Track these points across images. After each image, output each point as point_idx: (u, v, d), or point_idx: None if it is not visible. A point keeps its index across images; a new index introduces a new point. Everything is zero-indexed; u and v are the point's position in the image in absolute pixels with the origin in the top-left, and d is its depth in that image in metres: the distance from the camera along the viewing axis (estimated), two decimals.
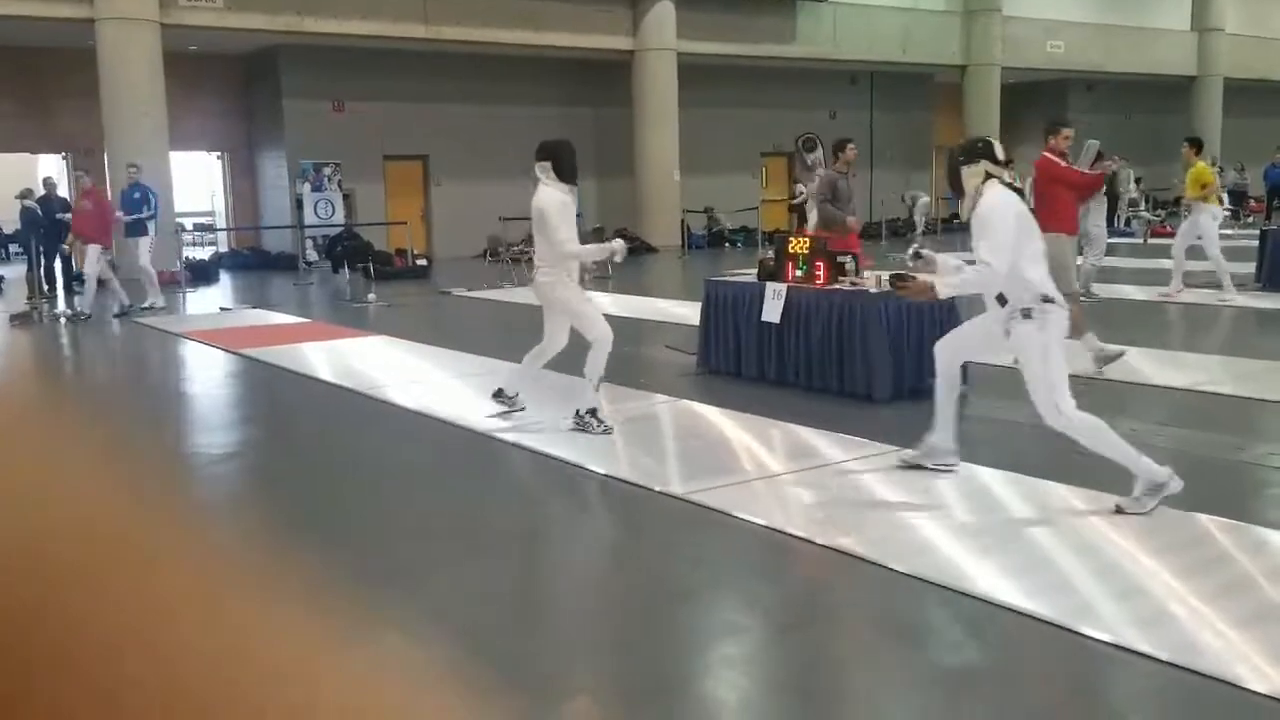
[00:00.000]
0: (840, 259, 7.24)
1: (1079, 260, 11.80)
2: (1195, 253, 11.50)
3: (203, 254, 20.63)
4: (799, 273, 7.28)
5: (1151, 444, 5.36)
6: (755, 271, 7.88)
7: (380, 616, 3.51)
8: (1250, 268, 12.55)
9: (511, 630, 3.58)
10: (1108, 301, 11.31)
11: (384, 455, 6.16)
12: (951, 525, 4.45)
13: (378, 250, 17.66)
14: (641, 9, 20.69)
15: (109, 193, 15.22)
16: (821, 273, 7.15)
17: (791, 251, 7.40)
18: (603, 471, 5.36)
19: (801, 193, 17.77)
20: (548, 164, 5.94)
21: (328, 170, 20.02)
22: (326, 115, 19.88)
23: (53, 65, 18.49)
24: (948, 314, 7.06)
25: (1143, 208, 22.66)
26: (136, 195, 13.20)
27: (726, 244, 22.38)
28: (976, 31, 25.20)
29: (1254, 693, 2.93)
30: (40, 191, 15.08)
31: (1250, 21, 30.15)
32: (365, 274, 15.60)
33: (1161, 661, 3.12)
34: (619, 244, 6.23)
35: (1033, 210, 5.25)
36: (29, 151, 20.41)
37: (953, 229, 25.23)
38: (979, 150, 4.71)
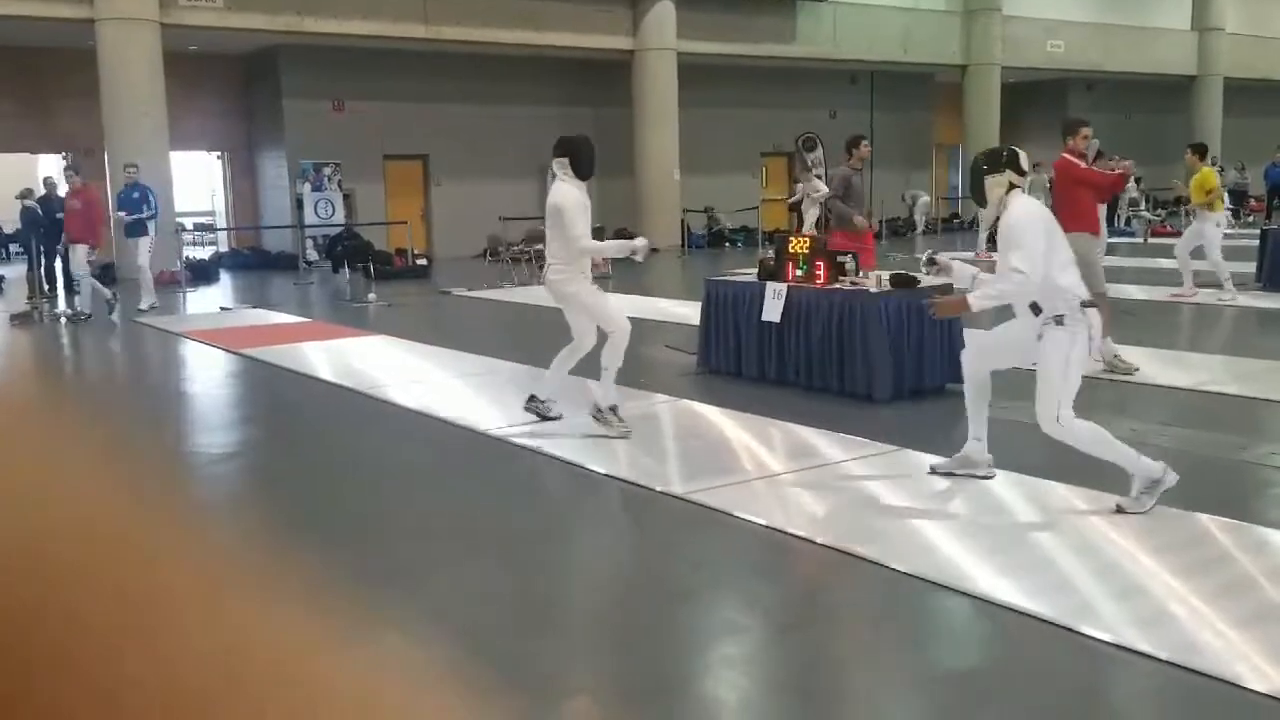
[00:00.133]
0: (840, 259, 7.25)
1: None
2: (1196, 252, 11.49)
3: (203, 254, 20.63)
4: (799, 272, 7.28)
5: (1153, 444, 5.36)
6: (755, 271, 7.88)
7: (380, 616, 3.51)
8: (1251, 267, 12.55)
9: (512, 630, 3.58)
10: (1108, 301, 11.30)
11: (384, 455, 6.16)
12: (952, 525, 4.45)
13: (378, 250, 17.66)
14: (641, 9, 20.68)
15: (108, 193, 15.24)
16: (822, 272, 7.15)
17: (791, 251, 7.40)
18: (603, 471, 5.36)
19: (798, 192, 17.78)
20: (565, 160, 5.87)
21: (328, 170, 20.02)
22: (326, 115, 19.88)
23: (53, 65, 18.49)
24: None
25: (1143, 207, 22.66)
26: (135, 195, 13.17)
27: (726, 244, 22.38)
28: (976, 31, 25.19)
29: (1254, 692, 2.93)
30: (40, 191, 15.07)
31: (1250, 21, 30.14)
32: (365, 274, 15.60)
33: (1161, 661, 3.12)
34: (642, 242, 6.08)
35: (1053, 210, 5.25)
36: (29, 151, 20.41)
37: (952, 228, 25.26)
38: (1004, 160, 4.68)
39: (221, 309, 13.59)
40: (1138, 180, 22.97)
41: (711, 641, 3.56)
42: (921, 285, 7.13)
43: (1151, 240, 19.34)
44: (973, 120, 25.35)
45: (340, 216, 19.79)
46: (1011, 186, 4.63)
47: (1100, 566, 3.90)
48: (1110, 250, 13.08)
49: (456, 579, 4.09)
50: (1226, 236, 11.72)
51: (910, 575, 3.85)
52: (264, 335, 10.83)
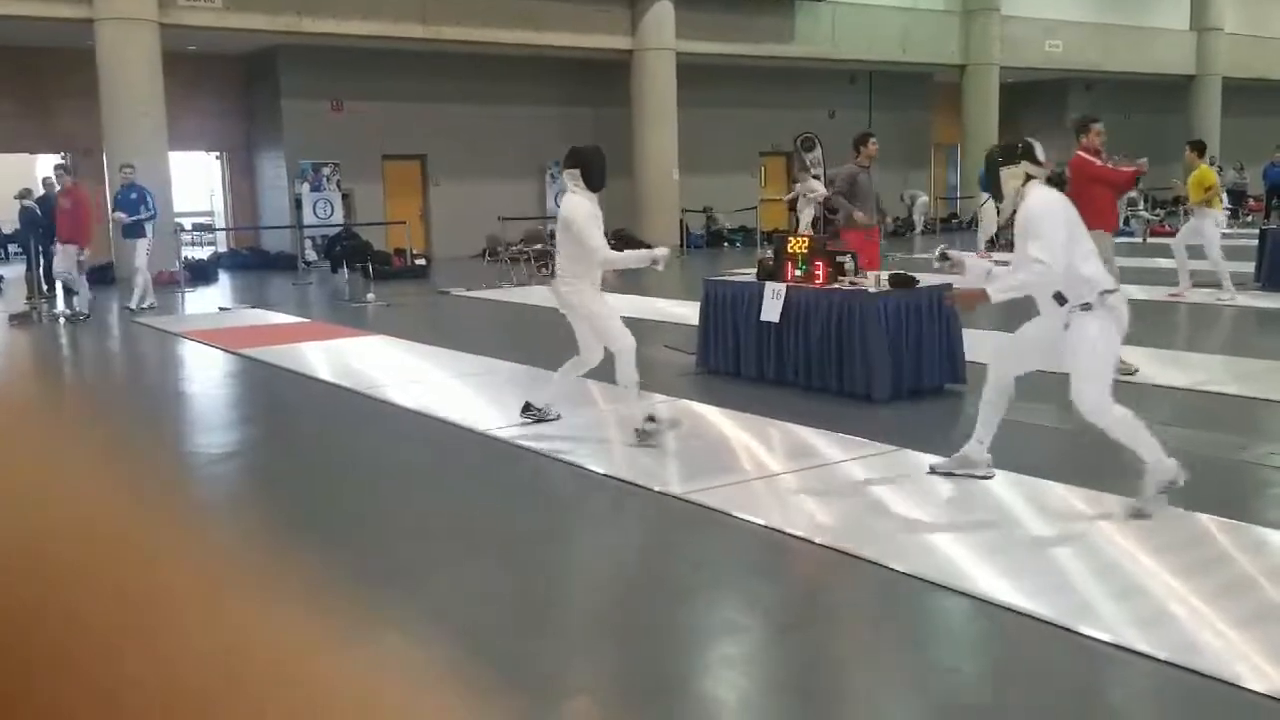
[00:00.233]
0: (839, 259, 7.25)
1: None
2: (1195, 252, 11.50)
3: (202, 254, 20.63)
4: (798, 272, 7.28)
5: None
6: (754, 271, 7.88)
7: (380, 616, 3.51)
8: (1250, 267, 12.55)
9: (511, 630, 3.58)
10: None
11: (383, 455, 6.16)
12: (951, 525, 4.45)
13: (376, 250, 17.65)
14: (640, 9, 20.68)
15: (106, 193, 15.23)
16: (821, 272, 7.15)
17: (790, 251, 7.40)
18: (602, 471, 5.36)
19: (795, 191, 17.81)
20: (577, 171, 5.79)
21: (326, 170, 20.02)
22: (325, 115, 19.88)
23: (52, 65, 18.48)
24: (947, 313, 7.07)
25: (1141, 207, 22.67)
26: (133, 196, 13.16)
27: (725, 243, 22.39)
28: (975, 31, 25.20)
29: (1253, 692, 2.93)
30: (39, 191, 15.06)
31: (1249, 21, 30.16)
32: (364, 274, 15.59)
33: (1161, 661, 3.12)
34: (663, 251, 5.91)
35: None
36: (28, 151, 20.40)
37: (951, 228, 25.27)
38: (1019, 151, 4.62)
39: (220, 309, 13.58)
40: (1136, 180, 22.98)
41: (710, 641, 3.56)
42: (920, 285, 7.14)
43: (1150, 240, 19.34)
44: (971, 120, 25.35)
45: (339, 216, 19.79)
46: (1028, 178, 4.56)
47: (1099, 566, 3.90)
48: None
49: (456, 579, 4.09)
50: (1225, 236, 11.72)
51: (909, 575, 3.85)
52: (263, 335, 10.83)
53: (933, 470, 5.04)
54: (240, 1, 17.11)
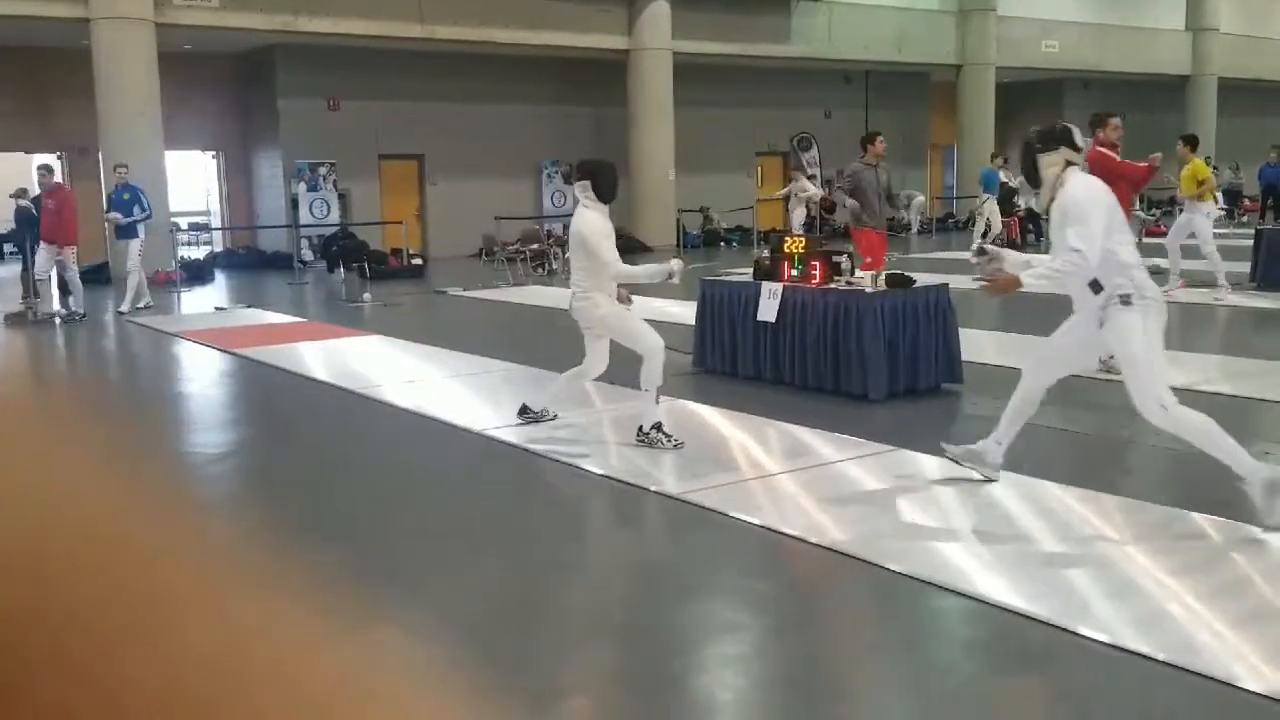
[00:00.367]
0: (835, 259, 7.25)
1: None
2: (1189, 251, 11.51)
3: (198, 253, 20.60)
4: (794, 272, 7.29)
5: (1149, 443, 5.38)
6: (751, 271, 7.88)
7: (380, 615, 3.50)
8: (1245, 267, 12.57)
9: (511, 630, 3.58)
10: None
11: (380, 455, 6.16)
12: (948, 525, 4.45)
13: (373, 249, 17.64)
14: (637, 8, 20.68)
15: (101, 193, 15.20)
16: (817, 272, 7.15)
17: (787, 251, 7.40)
18: (598, 471, 5.36)
19: (789, 190, 17.85)
20: (587, 183, 5.72)
21: (323, 169, 19.99)
22: (322, 114, 19.86)
23: (48, 64, 18.45)
24: (943, 313, 7.08)
25: (1137, 207, 22.69)
26: (126, 196, 13.12)
27: (722, 243, 22.39)
28: (972, 31, 25.22)
29: (1251, 692, 2.94)
30: (35, 191, 15.02)
31: (1244, 21, 30.22)
32: (360, 273, 15.57)
33: (1158, 661, 3.13)
34: (677, 264, 5.77)
35: None
36: (24, 151, 20.36)
37: (947, 228, 25.29)
38: (1057, 136, 4.45)
39: (216, 309, 13.56)
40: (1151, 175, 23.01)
41: (707, 641, 3.56)
42: (917, 285, 7.15)
43: (1146, 240, 19.36)
44: (968, 120, 25.38)
45: (335, 216, 19.77)
46: (1067, 164, 4.40)
47: (1097, 567, 3.90)
48: None
49: (455, 578, 4.09)
50: (1222, 237, 11.74)
51: (906, 575, 3.85)
52: (259, 335, 10.81)
53: (943, 450, 4.95)
54: (236, 1, 17.09)
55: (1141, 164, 8.00)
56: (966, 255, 17.90)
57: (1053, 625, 3.39)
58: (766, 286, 7.36)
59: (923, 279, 7.41)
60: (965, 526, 4.42)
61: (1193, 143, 11.72)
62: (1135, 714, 3.05)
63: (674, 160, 21.15)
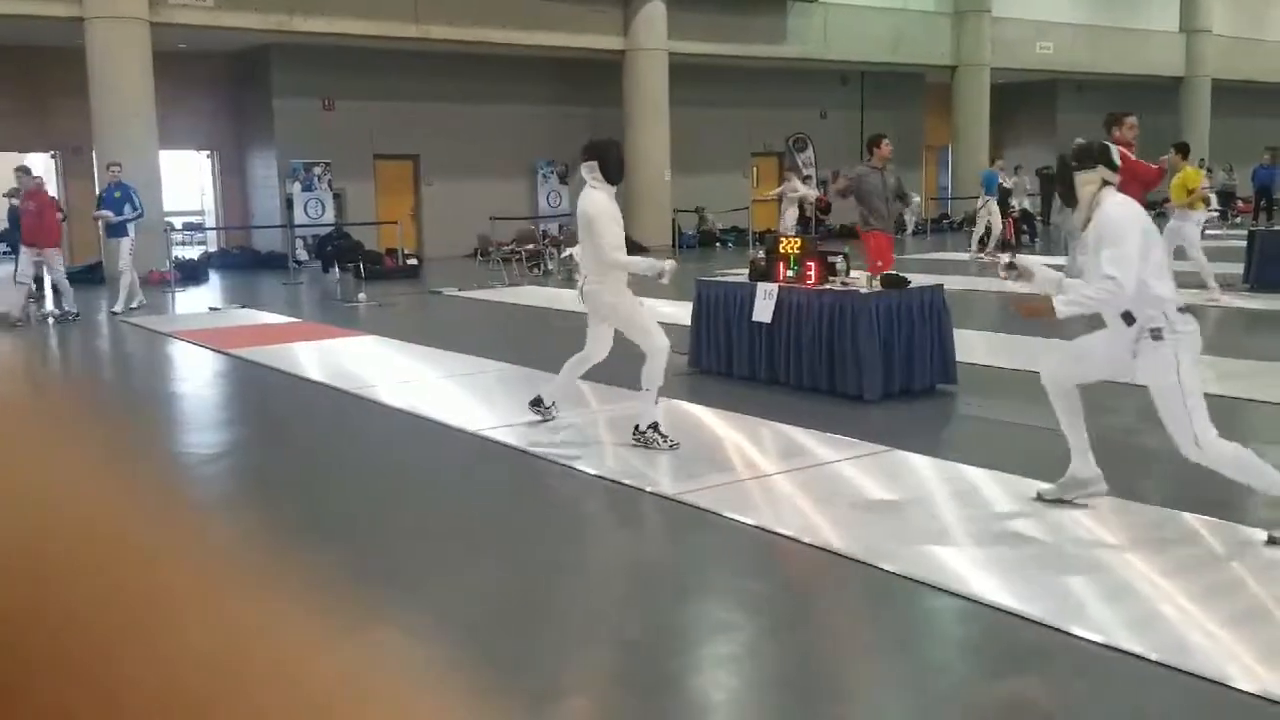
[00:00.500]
0: (831, 259, 7.26)
1: (1064, 260, 11.85)
2: (1178, 253, 11.53)
3: (192, 253, 20.56)
4: (790, 273, 7.29)
5: (1140, 444, 5.39)
6: (746, 271, 7.89)
7: (379, 615, 3.50)
8: (1238, 268, 12.61)
9: (509, 630, 3.58)
10: None
11: (376, 455, 6.15)
12: (942, 526, 4.46)
13: (368, 250, 17.62)
14: (633, 9, 20.68)
15: (95, 192, 15.16)
16: (813, 273, 7.16)
17: (782, 251, 7.41)
18: (593, 472, 5.36)
19: (780, 189, 17.89)
20: (594, 164, 5.61)
21: (318, 169, 19.97)
22: (317, 114, 19.83)
23: (43, 63, 18.41)
24: (938, 313, 7.09)
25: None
26: (118, 195, 13.08)
27: (717, 244, 22.41)
28: (966, 32, 25.27)
29: (1243, 692, 2.94)
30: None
31: (1238, 23, 30.31)
32: (355, 274, 15.57)
33: (1152, 662, 3.14)
34: (671, 264, 5.73)
35: None
36: (19, 150, 20.31)
37: (942, 229, 25.33)
38: (1095, 154, 4.34)
39: (210, 309, 13.53)
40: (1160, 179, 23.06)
41: (703, 641, 3.56)
42: (912, 286, 7.16)
43: None
44: (963, 121, 25.42)
45: (330, 216, 19.74)
46: (1104, 183, 4.29)
47: (1090, 567, 3.91)
48: None
49: (453, 578, 4.09)
50: (1215, 237, 11.77)
51: (900, 576, 3.85)
52: (254, 335, 10.80)
53: (1040, 497, 4.61)
54: (232, 0, 17.06)
55: (1153, 165, 8.00)
56: (964, 256, 17.95)
57: (1046, 625, 3.40)
58: (762, 287, 7.37)
59: (918, 279, 7.43)
60: (959, 527, 4.43)
61: (1184, 151, 11.76)
62: (1128, 714, 3.06)
63: (669, 160, 21.15)
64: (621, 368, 6.16)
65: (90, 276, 16.01)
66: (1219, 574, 3.90)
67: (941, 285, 7.34)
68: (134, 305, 12.95)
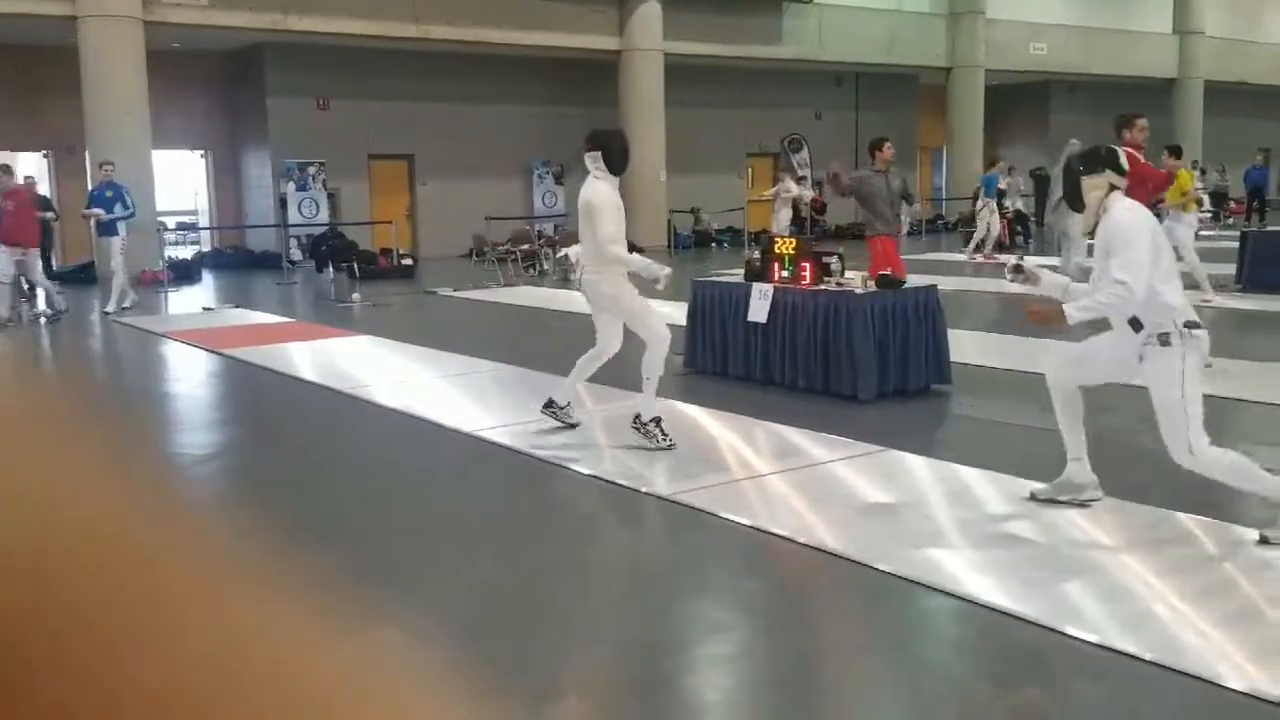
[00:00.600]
0: (826, 259, 7.27)
1: (1058, 260, 11.89)
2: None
3: (185, 253, 20.52)
4: (785, 273, 7.30)
5: (1132, 444, 5.40)
6: (742, 272, 7.90)
7: (379, 616, 3.50)
8: (1231, 269, 12.65)
9: (508, 631, 3.58)
10: None
11: (371, 456, 6.15)
12: (937, 525, 4.46)
13: (362, 250, 17.60)
14: (628, 9, 20.69)
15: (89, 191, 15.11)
16: (808, 273, 7.17)
17: (777, 252, 7.41)
18: (588, 472, 5.36)
19: (774, 189, 17.89)
20: (598, 154, 5.52)
21: (312, 169, 19.94)
22: (311, 113, 19.80)
23: (35, 62, 18.35)
24: (933, 314, 7.10)
25: None
26: (109, 194, 13.03)
27: (713, 244, 22.42)
28: (961, 33, 25.32)
29: (1235, 691, 2.95)
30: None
31: (1230, 24, 30.39)
32: (350, 273, 15.55)
33: (1145, 661, 3.14)
34: (668, 271, 5.62)
35: None
36: (10, 149, 20.25)
37: (936, 230, 25.37)
38: (1103, 159, 4.31)
39: (204, 309, 13.51)
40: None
41: (698, 641, 3.57)
42: (906, 286, 7.17)
43: None
44: (957, 122, 25.47)
45: (325, 216, 19.71)
46: (1112, 188, 4.26)
47: (1084, 567, 3.92)
48: (1090, 251, 13.18)
49: (451, 578, 4.09)
50: (1208, 238, 11.81)
51: (894, 575, 3.86)
52: (247, 335, 10.78)
53: (1033, 497, 4.60)
54: None
55: (1161, 170, 8.01)
56: (961, 257, 17.98)
57: (1040, 625, 3.41)
58: (757, 287, 7.38)
59: (912, 280, 7.44)
60: (953, 527, 4.44)
61: (1177, 153, 11.82)
62: (1122, 713, 3.07)
63: (665, 161, 21.16)
64: (622, 368, 6.15)
65: (82, 276, 15.97)
66: (1212, 574, 3.91)
67: (936, 286, 7.36)
68: (126, 305, 12.91)
